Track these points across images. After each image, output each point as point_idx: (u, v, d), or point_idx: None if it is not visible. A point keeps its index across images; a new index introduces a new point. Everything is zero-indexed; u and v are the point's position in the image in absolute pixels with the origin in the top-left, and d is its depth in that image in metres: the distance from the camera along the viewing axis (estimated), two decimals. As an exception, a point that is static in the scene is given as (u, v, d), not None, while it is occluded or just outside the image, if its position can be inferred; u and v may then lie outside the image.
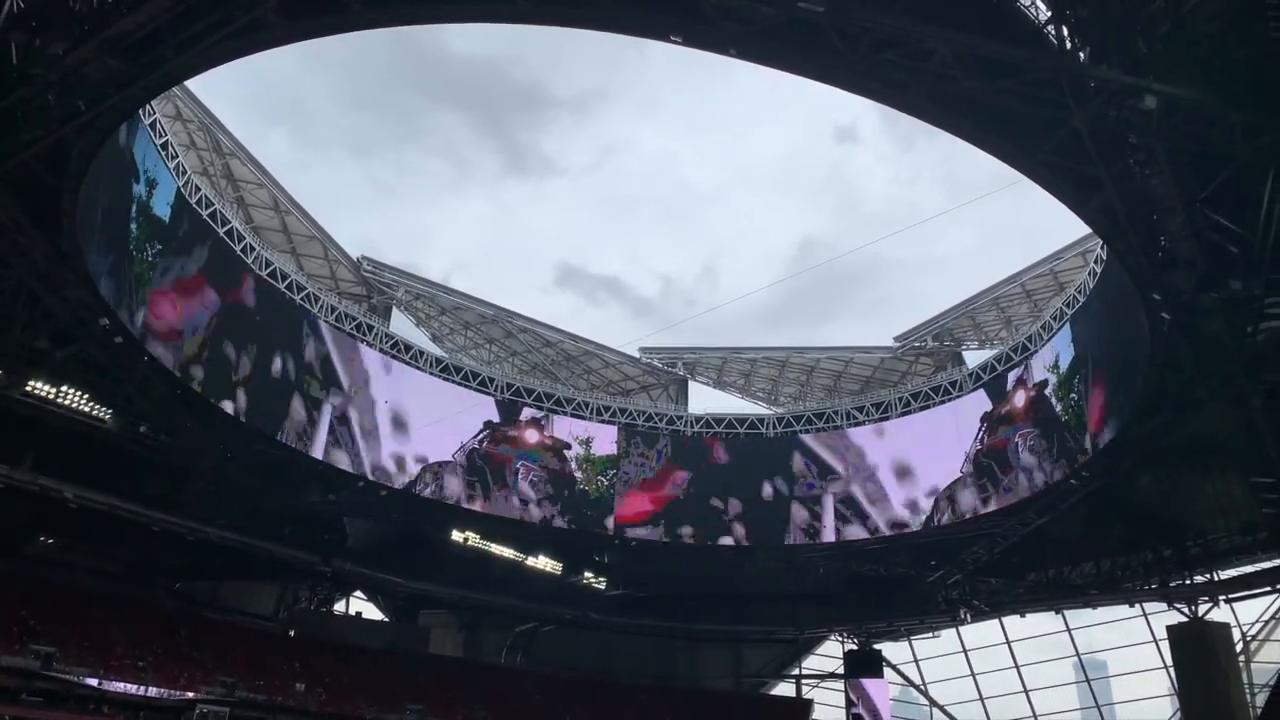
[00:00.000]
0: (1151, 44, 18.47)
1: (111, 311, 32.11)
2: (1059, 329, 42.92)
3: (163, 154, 36.12)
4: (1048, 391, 43.22)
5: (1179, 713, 45.20)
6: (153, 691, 37.31)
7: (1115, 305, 35.00)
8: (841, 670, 57.20)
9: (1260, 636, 42.55)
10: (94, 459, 38.42)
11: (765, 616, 58.26)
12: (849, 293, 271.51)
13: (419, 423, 48.31)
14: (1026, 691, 53.68)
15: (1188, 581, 43.37)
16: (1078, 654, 53.53)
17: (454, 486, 49.05)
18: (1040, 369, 44.02)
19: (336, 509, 48.46)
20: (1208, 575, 42.87)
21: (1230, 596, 42.74)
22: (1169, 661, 45.47)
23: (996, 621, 53.68)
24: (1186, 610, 43.90)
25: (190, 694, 38.29)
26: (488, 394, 51.43)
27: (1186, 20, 17.93)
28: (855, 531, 50.35)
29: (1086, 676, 54.18)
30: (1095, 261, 38.55)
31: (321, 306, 45.99)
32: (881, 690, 55.04)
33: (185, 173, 38.38)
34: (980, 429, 47.02)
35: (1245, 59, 18.46)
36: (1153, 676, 48.56)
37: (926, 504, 48.46)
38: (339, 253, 49.45)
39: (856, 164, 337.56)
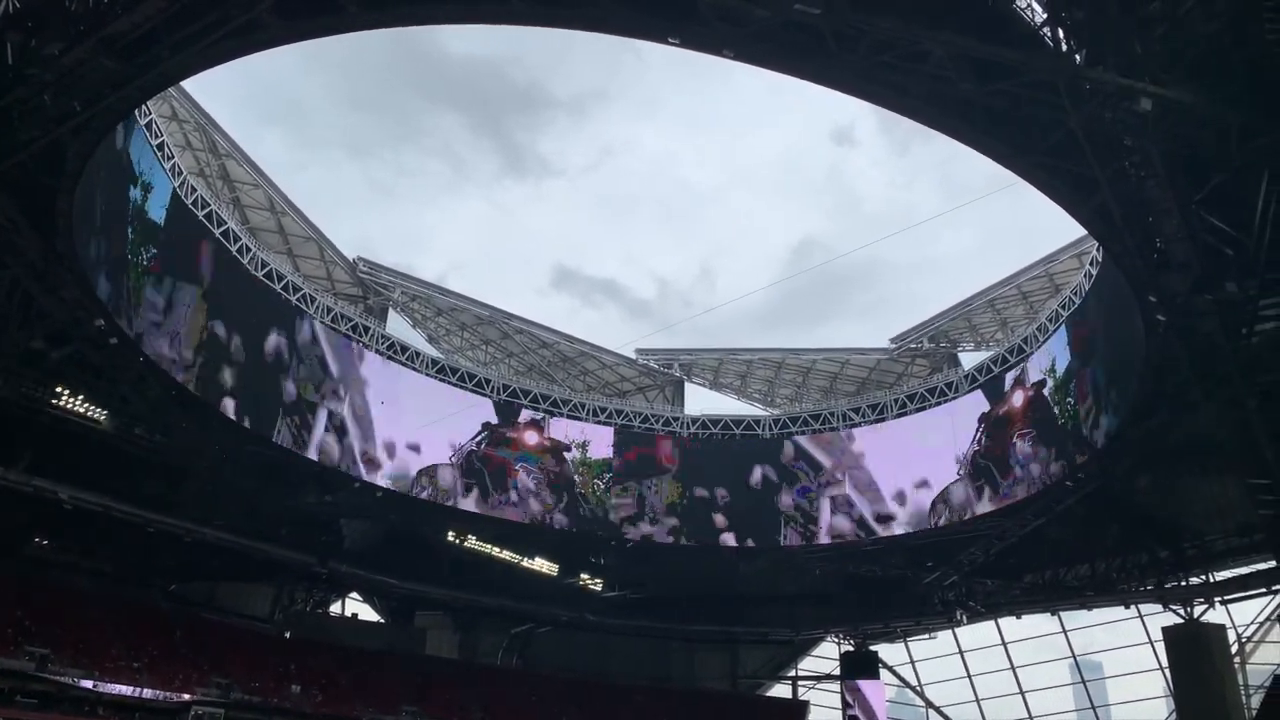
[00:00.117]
0: (1148, 46, 18.52)
1: (107, 312, 32.09)
2: (1055, 330, 43.00)
3: (158, 155, 36.10)
4: (1045, 392, 43.29)
5: (1174, 714, 45.27)
6: (148, 693, 37.25)
7: (1111, 307, 35.09)
8: (838, 671, 57.20)
9: (1256, 638, 42.55)
10: (89, 460, 38.34)
11: (762, 618, 58.29)
12: (846, 294, 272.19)
13: (415, 424, 48.29)
14: (1023, 693, 53.74)
15: (1183, 583, 43.44)
16: (1074, 655, 53.61)
17: (449, 485, 48.99)
18: (1037, 370, 44.08)
19: (333, 510, 48.42)
20: (1203, 577, 42.93)
21: (1226, 598, 42.74)
22: (1165, 663, 45.49)
23: (993, 623, 53.73)
24: (1182, 612, 43.96)
25: (186, 695, 38.23)
26: (484, 395, 51.43)
27: (1183, 22, 17.96)
28: (851, 531, 50.41)
29: (1082, 678, 54.20)
30: (1091, 263, 38.64)
31: (318, 308, 45.96)
32: (878, 691, 55.07)
33: (181, 173, 38.36)
34: (978, 430, 47.08)
35: (1242, 61, 18.49)
36: (1148, 678, 48.69)
37: (923, 505, 48.49)
38: (335, 254, 49.41)
39: (854, 166, 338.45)
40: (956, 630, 55.23)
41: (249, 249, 42.66)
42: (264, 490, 44.28)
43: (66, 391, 35.93)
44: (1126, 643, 49.91)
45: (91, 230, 30.36)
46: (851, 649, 57.81)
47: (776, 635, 58.96)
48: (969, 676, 55.96)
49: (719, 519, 52.03)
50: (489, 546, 51.05)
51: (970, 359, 51.12)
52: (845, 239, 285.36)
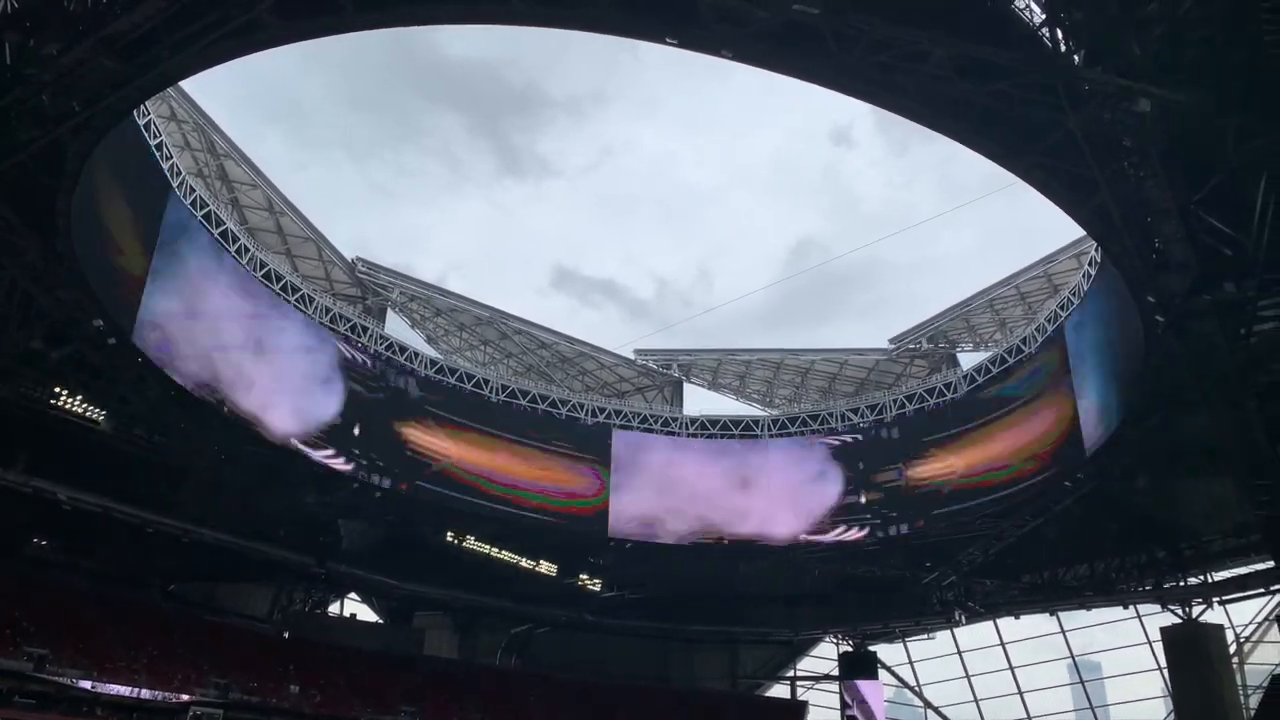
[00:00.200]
0: (1146, 46, 18.53)
1: (106, 312, 32.07)
2: (1052, 330, 43.05)
3: (157, 155, 36.10)
4: (1045, 391, 43.33)
5: (1173, 714, 45.29)
6: (146, 693, 37.17)
7: (1110, 307, 35.12)
8: (836, 672, 57.17)
9: (1254, 638, 42.56)
10: (88, 460, 38.29)
11: (761, 618, 58.26)
12: (845, 295, 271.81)
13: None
14: (1021, 693, 53.71)
15: (1182, 583, 43.46)
16: (1072, 655, 53.57)
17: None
18: (1035, 370, 44.16)
19: (331, 511, 48.38)
20: (1202, 577, 42.95)
21: (1224, 598, 42.75)
22: (1163, 663, 45.49)
23: (991, 623, 53.72)
24: (1180, 612, 43.96)
25: (184, 696, 38.16)
26: (483, 395, 51.44)
27: (1182, 23, 17.98)
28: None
29: (1081, 678, 54.18)
30: (1090, 264, 38.70)
31: (316, 308, 45.96)
32: (876, 692, 55.01)
33: (180, 174, 38.35)
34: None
35: (1240, 62, 18.51)
36: (1147, 678, 48.67)
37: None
38: (333, 254, 49.40)
39: (852, 166, 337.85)
40: (955, 630, 55.21)
41: (247, 249, 42.68)
42: (263, 490, 44.24)
43: (65, 392, 35.89)
44: (1125, 643, 49.92)
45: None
46: (850, 649, 57.75)
47: (776, 636, 58.94)
48: (967, 677, 55.96)
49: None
50: (488, 547, 51.00)
51: (969, 359, 51.26)
52: (844, 239, 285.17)
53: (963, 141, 22.96)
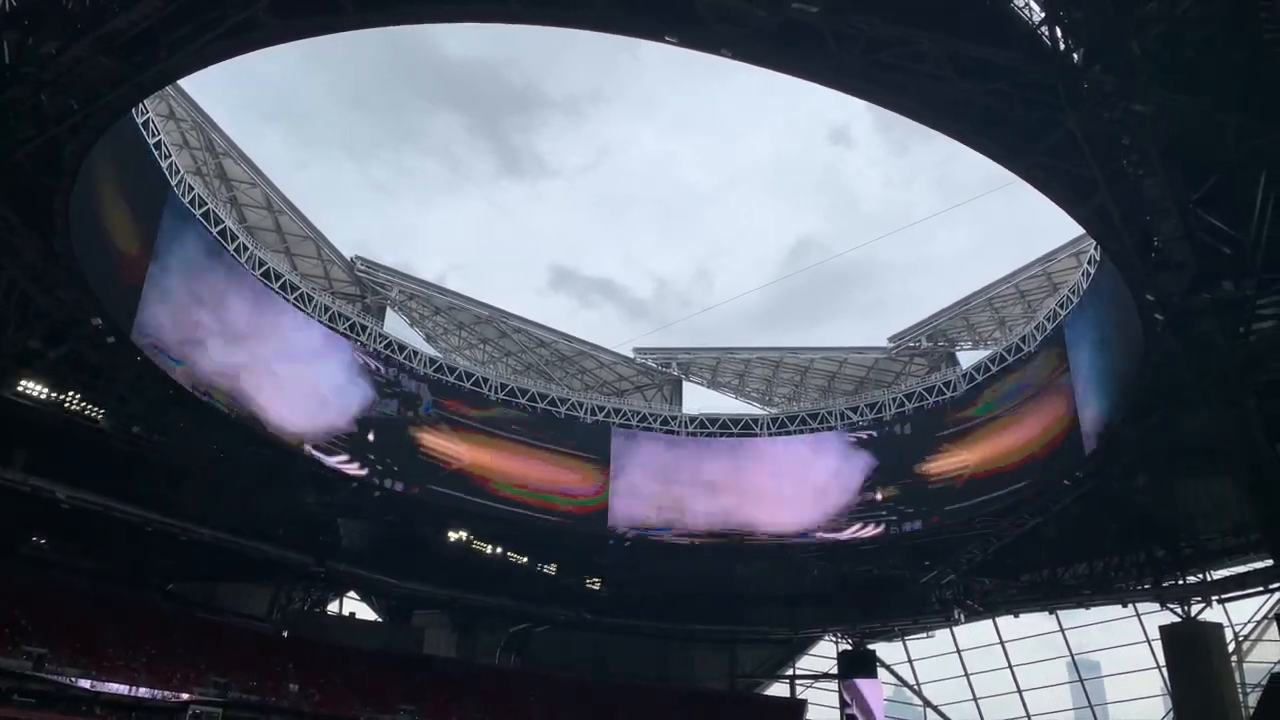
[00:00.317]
0: (1145, 46, 18.51)
1: (105, 311, 32.04)
2: (1052, 329, 43.04)
3: (156, 153, 36.04)
4: (1045, 391, 43.32)
5: (1171, 713, 45.34)
6: (146, 693, 37.13)
7: (1109, 306, 35.11)
8: (836, 670, 57.19)
9: (1252, 636, 42.56)
10: (87, 459, 38.27)
11: (760, 617, 58.26)
12: (844, 294, 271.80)
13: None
14: (1020, 691, 53.74)
15: (1180, 582, 43.45)
16: (1071, 654, 53.61)
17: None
18: (1035, 369, 44.15)
19: (331, 510, 48.37)
20: (1200, 576, 42.95)
21: (1223, 597, 42.78)
22: (1162, 662, 45.53)
23: (990, 622, 53.74)
24: (1179, 610, 43.99)
25: (184, 695, 38.13)
26: (481, 394, 51.45)
27: (1181, 23, 17.96)
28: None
29: (1080, 677, 54.22)
30: (1089, 263, 38.68)
31: (315, 306, 45.96)
32: (875, 690, 55.04)
33: (178, 172, 38.31)
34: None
35: (1240, 61, 18.50)
36: (1146, 676, 48.70)
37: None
38: (332, 252, 49.36)
39: (851, 166, 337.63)
40: (954, 629, 55.24)
41: (246, 248, 42.66)
42: (262, 490, 44.23)
43: (64, 391, 35.85)
44: (1124, 641, 49.98)
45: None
46: (849, 648, 57.77)
47: (775, 635, 58.96)
48: (966, 675, 55.98)
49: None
50: (487, 546, 51.00)
51: (968, 358, 51.27)
52: (843, 239, 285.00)
53: (964, 141, 22.95)
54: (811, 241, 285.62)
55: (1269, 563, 40.03)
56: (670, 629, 57.89)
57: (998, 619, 53.43)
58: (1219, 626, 42.73)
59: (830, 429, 52.46)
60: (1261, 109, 18.78)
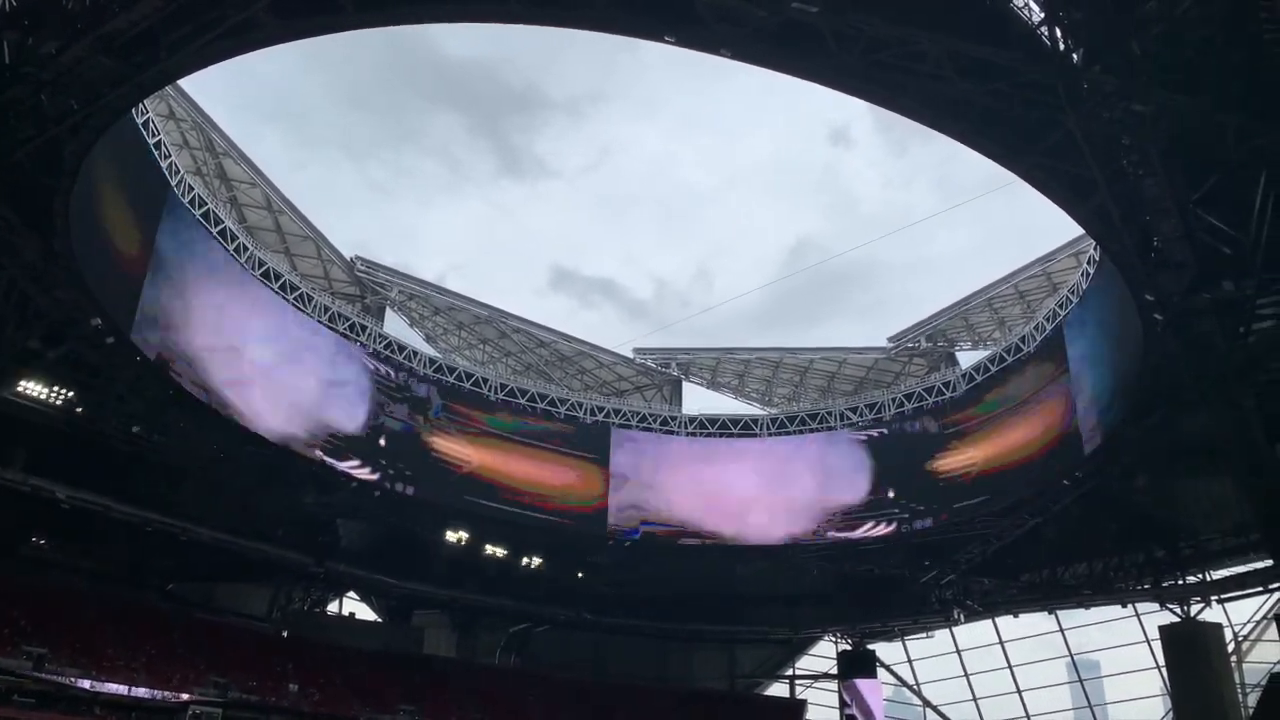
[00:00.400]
0: (1145, 46, 18.52)
1: (104, 311, 32.03)
2: (1051, 329, 43.05)
3: (156, 154, 36.04)
4: (1044, 391, 43.34)
5: (1171, 713, 45.35)
6: (145, 693, 37.11)
7: (1109, 306, 35.12)
8: (835, 671, 57.20)
9: (1252, 637, 42.59)
10: (86, 459, 38.25)
11: (760, 617, 58.25)
12: (843, 294, 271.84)
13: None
14: (1020, 692, 53.76)
15: (1180, 582, 43.47)
16: (1071, 654, 53.63)
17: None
18: (1034, 369, 44.16)
19: (330, 510, 48.36)
20: (1200, 576, 42.97)
21: (1222, 597, 42.80)
22: (1161, 662, 45.55)
23: (990, 622, 53.76)
24: (1179, 611, 44.01)
25: (183, 695, 38.12)
26: (481, 395, 51.45)
27: (1180, 23, 17.97)
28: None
29: (1079, 677, 54.25)
30: (1089, 263, 38.69)
31: (315, 306, 45.96)
32: (875, 690, 55.06)
33: (178, 172, 38.31)
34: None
35: (1240, 61, 18.51)
36: (1145, 677, 48.71)
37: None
38: (332, 252, 49.36)
39: (851, 166, 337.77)
40: (954, 629, 55.25)
41: (246, 248, 42.66)
42: (262, 490, 44.22)
43: (63, 391, 35.84)
44: (1123, 642, 49.99)
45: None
46: (849, 648, 57.78)
47: (774, 635, 58.94)
48: (966, 675, 56.00)
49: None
50: (487, 546, 50.99)
51: (968, 358, 51.28)
52: (842, 239, 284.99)
53: (963, 141, 22.97)
54: (811, 242, 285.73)
55: (1268, 563, 40.07)
56: (670, 629, 57.87)
57: (997, 619, 53.45)
58: (1218, 627, 42.76)
59: (836, 428, 52.37)
60: (1261, 109, 18.79)
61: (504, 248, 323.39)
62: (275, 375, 42.97)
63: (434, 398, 50.26)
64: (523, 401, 52.39)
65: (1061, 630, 52.35)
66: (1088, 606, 48.45)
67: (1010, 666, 54.27)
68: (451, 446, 49.82)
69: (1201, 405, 29.30)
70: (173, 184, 37.58)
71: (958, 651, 56.37)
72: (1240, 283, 23.13)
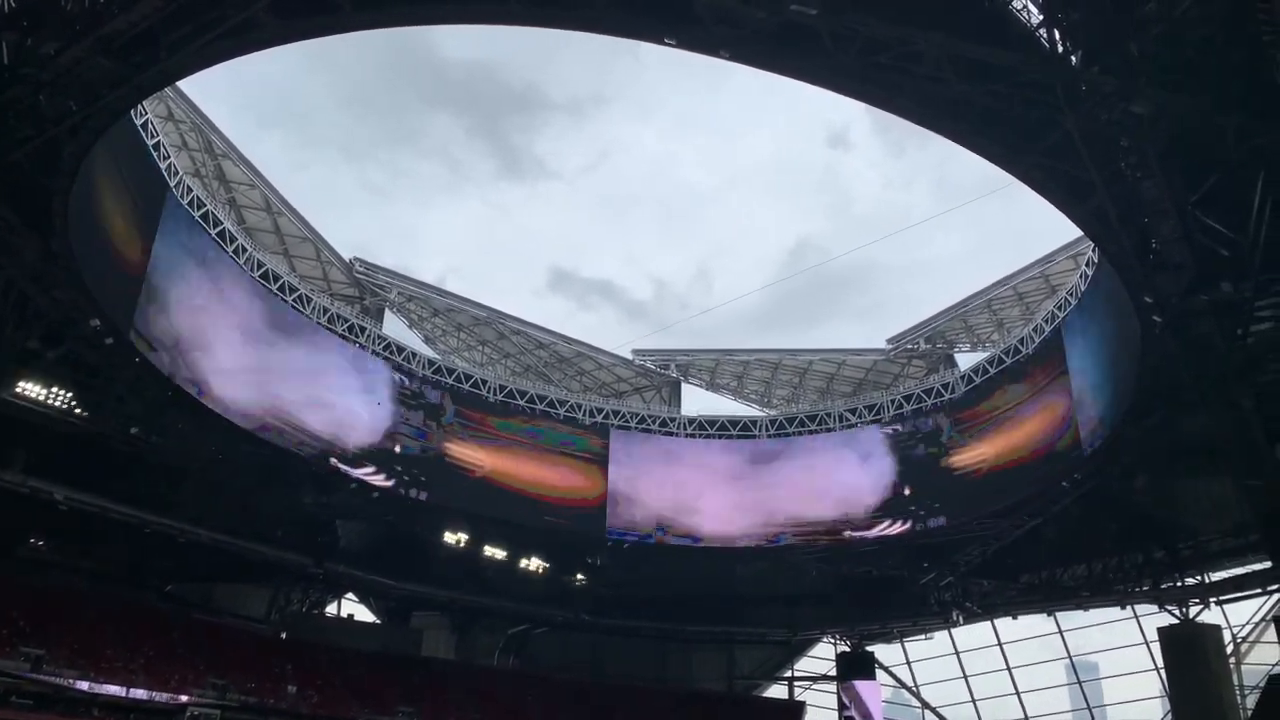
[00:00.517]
0: (1144, 47, 18.52)
1: (103, 312, 32.02)
2: (1050, 331, 43.08)
3: (155, 155, 36.05)
4: (1044, 391, 43.35)
5: (1170, 714, 45.34)
6: (144, 694, 37.12)
7: (1107, 308, 35.15)
8: (834, 672, 57.20)
9: (1251, 638, 42.59)
10: (85, 460, 38.23)
11: (758, 618, 58.24)
12: (842, 296, 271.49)
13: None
14: (1019, 693, 53.78)
15: (1179, 583, 43.45)
16: (1070, 656, 53.66)
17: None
18: (1034, 370, 44.18)
19: (329, 511, 48.34)
20: (1199, 577, 42.94)
21: (1221, 598, 42.78)
22: (1160, 663, 45.55)
23: (989, 623, 53.75)
24: (1178, 612, 44.02)
25: (182, 697, 38.12)
26: (480, 396, 51.47)
27: (1180, 23, 17.98)
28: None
29: (1078, 678, 54.27)
30: (1087, 264, 38.71)
31: (314, 308, 45.98)
32: (874, 692, 55.06)
33: (177, 173, 38.32)
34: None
35: (1239, 62, 18.52)
36: (1144, 678, 48.68)
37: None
38: (331, 254, 49.37)
39: (850, 168, 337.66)
40: (953, 631, 55.25)
41: (245, 249, 42.67)
42: (260, 491, 44.19)
43: (62, 392, 35.83)
44: (1122, 643, 49.97)
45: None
46: (848, 650, 57.80)
47: (773, 636, 58.94)
48: (965, 677, 56.00)
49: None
50: (486, 547, 50.98)
51: (966, 360, 51.28)
52: (842, 240, 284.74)
53: (961, 142, 22.94)
54: (810, 243, 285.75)
55: (1268, 564, 40.08)
56: (669, 630, 57.88)
57: (996, 620, 53.45)
58: (1217, 628, 42.76)
59: (828, 430, 52.39)
60: (1261, 109, 18.79)
61: (503, 249, 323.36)
62: (270, 379, 43.01)
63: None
64: (522, 403, 52.40)
65: (1060, 632, 52.36)
66: (1087, 608, 48.44)
67: (1009, 668, 54.31)
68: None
69: (1201, 406, 29.31)
70: (171, 185, 37.58)
71: (957, 653, 56.39)
72: (1239, 284, 23.12)
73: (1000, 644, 54.52)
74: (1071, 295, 41.23)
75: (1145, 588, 44.35)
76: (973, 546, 45.98)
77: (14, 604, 37.40)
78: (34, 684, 34.36)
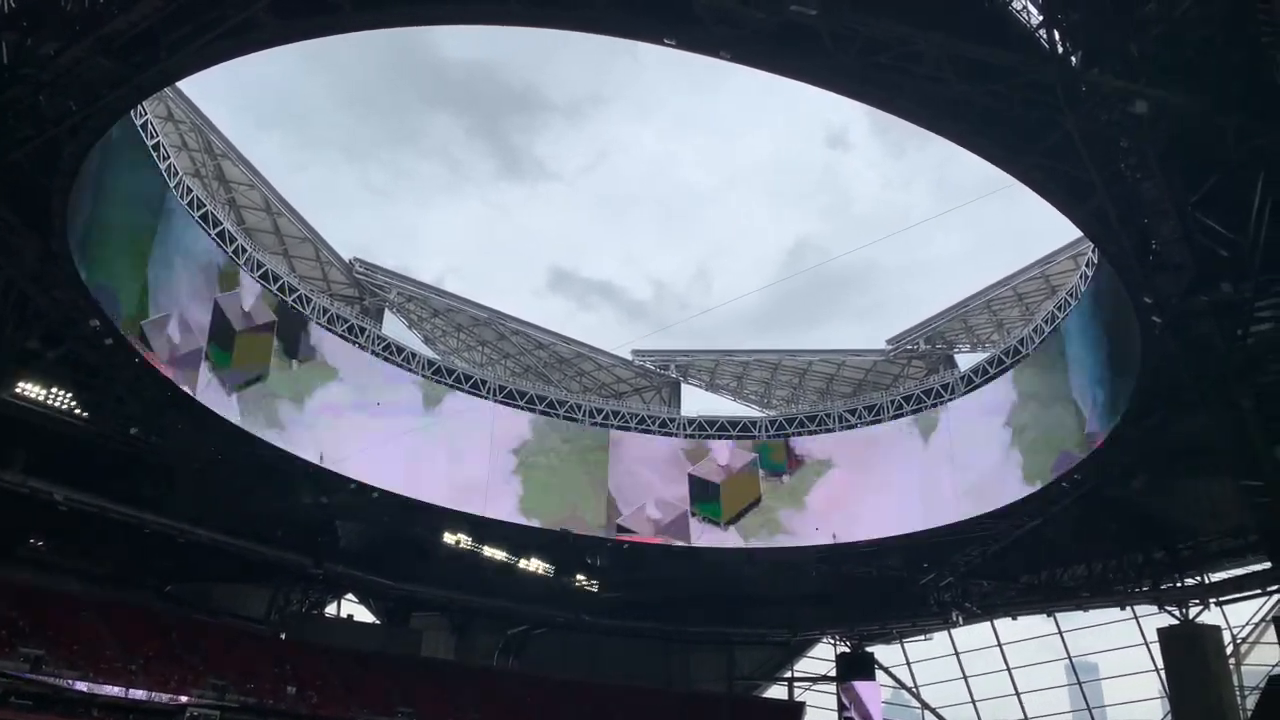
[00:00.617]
0: (1144, 47, 18.52)
1: (102, 312, 32.01)
2: (1050, 331, 43.06)
3: (154, 155, 36.04)
4: (1043, 392, 43.33)
5: (1170, 715, 45.34)
6: (143, 695, 37.14)
7: (1107, 308, 35.13)
8: (834, 673, 57.21)
9: (1251, 639, 42.59)
10: (85, 461, 38.25)
11: (758, 619, 58.25)
12: (842, 297, 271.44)
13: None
14: (1018, 694, 53.80)
15: (1179, 584, 43.49)
16: (1069, 656, 53.67)
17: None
18: (1034, 371, 44.15)
19: (328, 512, 48.32)
20: (1199, 578, 42.99)
21: (1221, 599, 42.81)
22: (1160, 664, 45.57)
23: (989, 624, 53.76)
24: (1178, 613, 44.03)
25: (182, 697, 38.14)
26: (480, 397, 51.44)
27: (1180, 23, 17.98)
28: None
29: (1078, 679, 54.30)
30: (1087, 265, 38.68)
31: (314, 308, 45.98)
32: (874, 693, 55.09)
33: (177, 174, 38.31)
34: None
35: (1240, 62, 18.52)
36: (1144, 679, 48.75)
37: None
38: (331, 254, 49.33)
39: (850, 168, 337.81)
40: (952, 631, 55.26)
41: (245, 249, 42.66)
42: (260, 491, 44.17)
43: (62, 392, 35.83)
44: (1122, 644, 49.99)
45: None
46: (848, 650, 57.81)
47: (773, 637, 58.96)
48: (965, 678, 56.03)
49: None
50: (485, 548, 50.96)
51: (966, 360, 51.25)
52: (841, 241, 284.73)
53: (961, 143, 22.92)
54: (810, 244, 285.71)
55: (1267, 565, 40.11)
56: (668, 631, 57.89)
57: (996, 621, 53.46)
58: (1217, 629, 42.77)
59: (828, 431, 52.36)
60: (1261, 109, 18.79)
61: (503, 249, 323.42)
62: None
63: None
64: (521, 403, 52.38)
65: (1060, 632, 52.39)
66: (1086, 608, 48.46)
67: (1009, 669, 54.34)
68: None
69: (1201, 406, 29.30)
70: (171, 185, 37.57)
71: (956, 654, 56.42)
72: (1238, 285, 23.12)
73: (1000, 644, 54.58)
74: (1071, 296, 41.21)
75: (1145, 588, 44.37)
76: (972, 547, 45.96)
77: (13, 604, 37.43)
78: (33, 684, 34.37)
